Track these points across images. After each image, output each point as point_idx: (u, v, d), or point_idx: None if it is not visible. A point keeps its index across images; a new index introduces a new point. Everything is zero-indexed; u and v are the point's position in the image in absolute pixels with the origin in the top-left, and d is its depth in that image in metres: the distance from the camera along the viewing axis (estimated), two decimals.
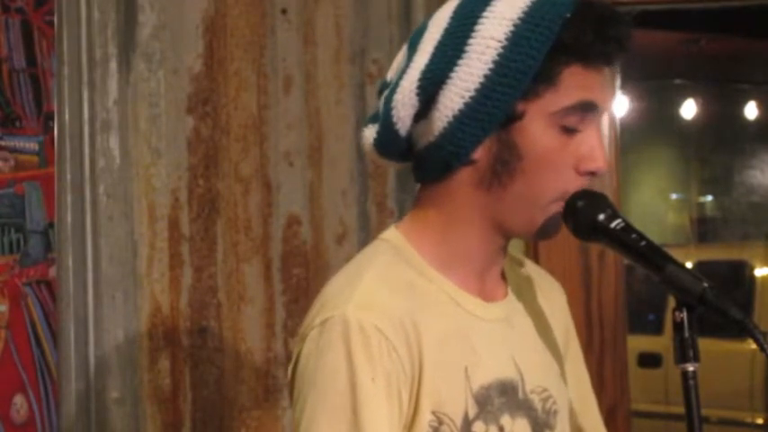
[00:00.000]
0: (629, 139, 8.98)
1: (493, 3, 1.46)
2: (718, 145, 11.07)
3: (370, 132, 1.54)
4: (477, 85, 1.45)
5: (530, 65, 1.43)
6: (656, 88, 10.08)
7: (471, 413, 1.46)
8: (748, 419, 6.81)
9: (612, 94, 2.43)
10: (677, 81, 10.66)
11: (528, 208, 1.48)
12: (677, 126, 10.82)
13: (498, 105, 1.44)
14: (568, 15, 1.44)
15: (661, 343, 6.84)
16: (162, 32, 2.49)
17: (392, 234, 1.55)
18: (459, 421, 1.45)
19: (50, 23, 2.48)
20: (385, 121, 1.51)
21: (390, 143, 1.53)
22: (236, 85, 2.48)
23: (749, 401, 6.81)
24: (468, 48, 1.45)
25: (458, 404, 1.45)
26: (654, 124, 10.38)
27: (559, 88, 1.45)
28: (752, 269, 7.21)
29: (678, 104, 10.65)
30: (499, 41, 1.44)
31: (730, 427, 6.46)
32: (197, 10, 2.48)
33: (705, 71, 10.22)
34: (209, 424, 2.45)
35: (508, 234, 1.52)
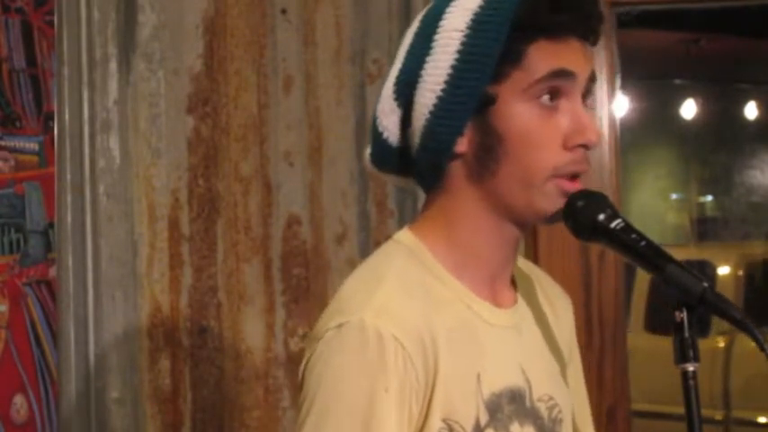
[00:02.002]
0: (629, 139, 8.99)
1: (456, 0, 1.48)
2: (718, 145, 11.08)
3: (368, 149, 1.56)
4: (445, 77, 1.45)
5: (492, 47, 1.43)
6: (656, 88, 10.09)
7: (483, 420, 1.45)
8: (708, 415, 6.89)
9: (612, 93, 2.43)
10: (677, 81, 10.66)
11: (523, 190, 1.46)
12: (677, 126, 10.83)
13: (469, 93, 1.44)
14: None
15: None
16: (162, 32, 2.49)
17: (405, 236, 1.53)
18: (469, 429, 1.44)
19: (50, 23, 2.48)
20: (373, 132, 1.52)
21: (383, 154, 1.53)
22: (236, 85, 2.48)
23: (708, 398, 6.90)
24: (433, 43, 1.47)
25: (469, 411, 1.44)
26: (654, 124, 10.38)
27: (527, 65, 1.44)
28: (714, 269, 7.34)
29: (678, 104, 10.66)
30: (461, 31, 1.45)
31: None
32: (197, 10, 2.48)
33: (705, 71, 10.22)
34: (209, 424, 2.45)
35: (517, 220, 1.49)
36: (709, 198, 11.68)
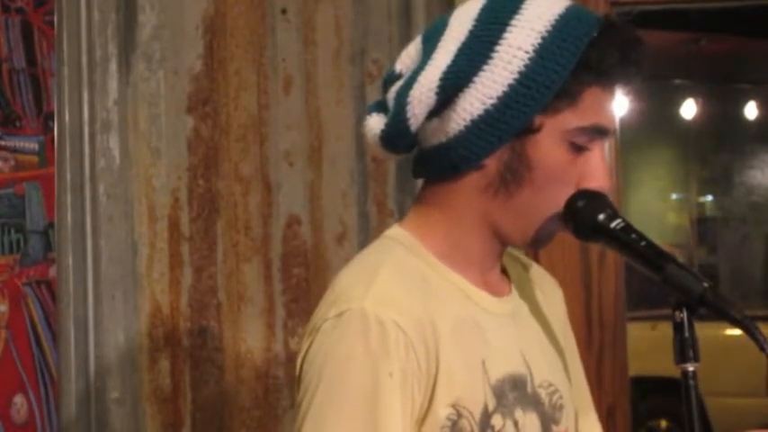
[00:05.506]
0: (629, 139, 8.98)
1: (521, 11, 1.46)
2: (718, 145, 11.07)
3: (376, 123, 1.52)
4: (499, 93, 1.45)
5: (554, 80, 1.44)
6: (656, 88, 10.07)
7: (490, 406, 1.46)
8: None
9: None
10: (677, 81, 10.66)
11: (526, 219, 1.49)
12: (677, 126, 10.82)
13: (518, 116, 1.45)
14: (594, 34, 1.44)
15: None
16: (162, 32, 2.49)
17: (397, 232, 1.54)
18: (478, 414, 1.45)
19: (50, 23, 2.48)
20: (397, 115, 1.49)
21: (399, 138, 1.51)
22: (236, 85, 2.48)
23: None
24: (494, 54, 1.45)
25: (477, 397, 1.45)
26: (654, 124, 10.37)
27: (579, 107, 1.46)
28: None
29: (678, 104, 10.65)
30: (526, 52, 1.44)
31: None
32: (197, 10, 2.48)
33: (705, 71, 10.22)
34: (210, 424, 2.45)
35: (504, 241, 1.53)
36: (710, 198, 11.68)
